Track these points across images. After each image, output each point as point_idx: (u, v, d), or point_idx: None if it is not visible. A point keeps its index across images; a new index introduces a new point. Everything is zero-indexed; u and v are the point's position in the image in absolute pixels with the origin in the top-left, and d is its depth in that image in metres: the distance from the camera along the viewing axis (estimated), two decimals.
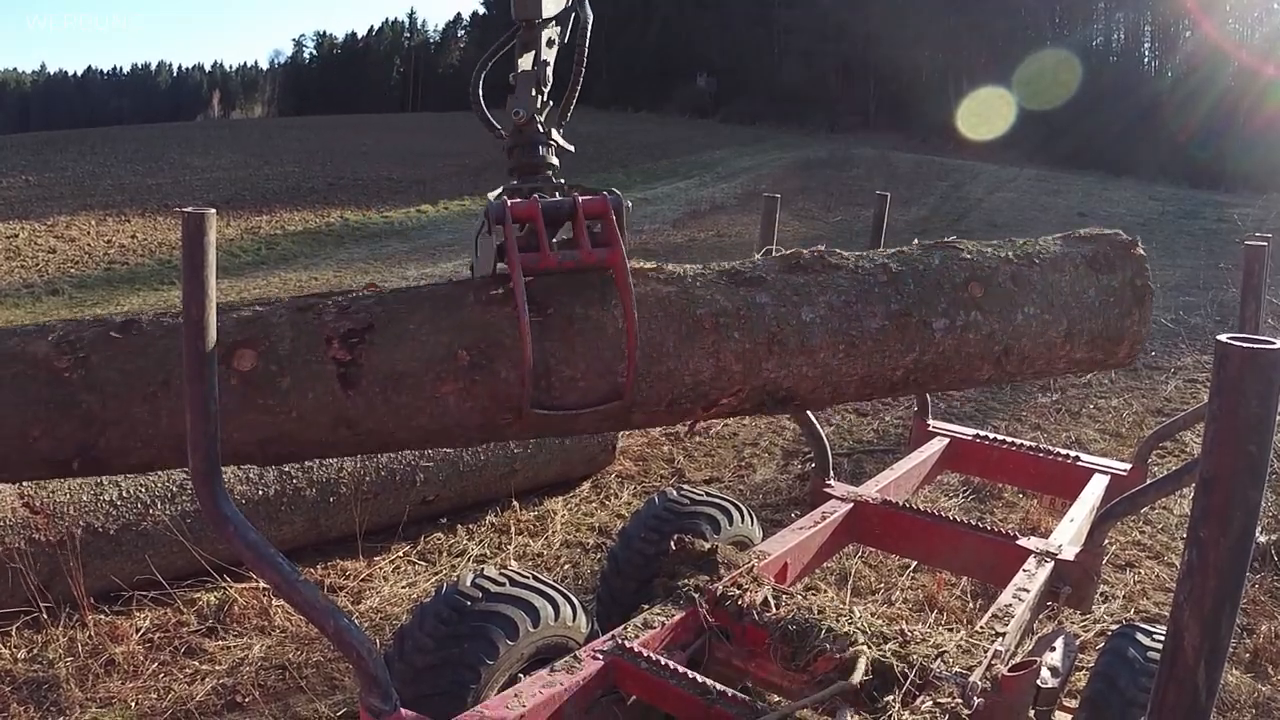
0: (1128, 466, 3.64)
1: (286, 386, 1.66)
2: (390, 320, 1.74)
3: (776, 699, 2.45)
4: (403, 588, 3.87)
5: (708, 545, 2.67)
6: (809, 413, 3.27)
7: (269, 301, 1.77)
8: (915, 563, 3.95)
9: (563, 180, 2.09)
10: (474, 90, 2.21)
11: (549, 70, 2.13)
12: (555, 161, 2.11)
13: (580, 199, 1.84)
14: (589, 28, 2.18)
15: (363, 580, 3.91)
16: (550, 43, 2.20)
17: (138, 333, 1.65)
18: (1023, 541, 2.91)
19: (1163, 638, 1.62)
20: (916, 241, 2.31)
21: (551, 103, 2.17)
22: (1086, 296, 2.28)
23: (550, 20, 2.17)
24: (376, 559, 4.07)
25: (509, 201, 1.80)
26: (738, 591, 2.45)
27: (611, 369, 1.81)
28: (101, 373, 1.61)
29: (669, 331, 1.88)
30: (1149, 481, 3.18)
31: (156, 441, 1.66)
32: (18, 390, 1.57)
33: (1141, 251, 2.39)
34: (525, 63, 2.16)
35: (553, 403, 1.80)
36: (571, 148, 2.17)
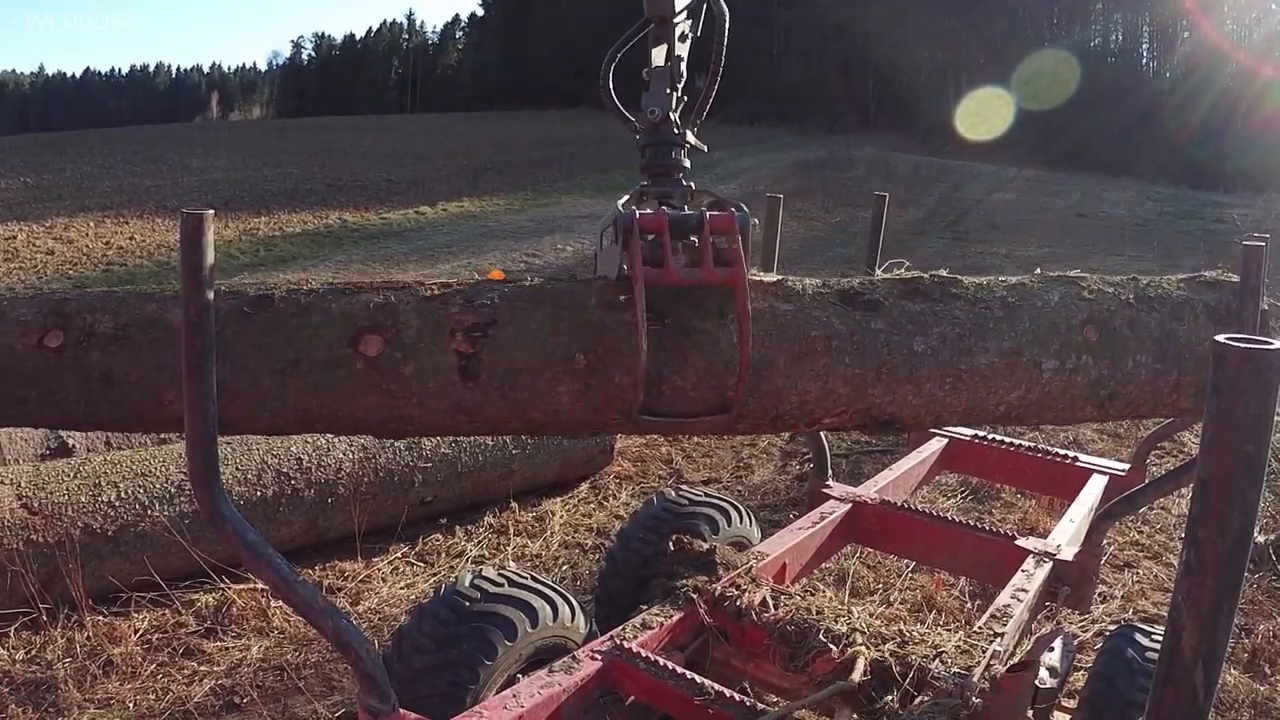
0: (1126, 467, 3.65)
1: (409, 374, 1.72)
2: (513, 316, 1.77)
3: (775, 699, 2.45)
4: (401, 588, 3.86)
5: (706, 546, 2.67)
6: None
7: (399, 286, 1.80)
8: (914, 563, 3.95)
9: (692, 184, 2.08)
10: (604, 83, 2.14)
11: (683, 65, 2.07)
12: (687, 164, 2.09)
13: (708, 214, 1.84)
14: (726, 20, 2.06)
15: (361, 581, 3.91)
16: (683, 37, 2.12)
17: (270, 310, 1.71)
18: (1021, 542, 2.91)
19: (1161, 638, 1.62)
20: (1039, 271, 2.21)
21: (685, 99, 2.10)
22: (1201, 349, 2.17)
23: (681, 13, 2.09)
24: (375, 560, 4.07)
25: (637, 213, 1.81)
26: (736, 592, 2.45)
27: (721, 382, 1.83)
28: (235, 346, 1.66)
29: (781, 351, 1.88)
30: (1147, 482, 3.18)
31: (284, 414, 1.73)
32: (154, 354, 1.65)
33: (1266, 307, 2.25)
34: (658, 58, 2.09)
35: (661, 409, 1.83)
36: (705, 147, 2.14)
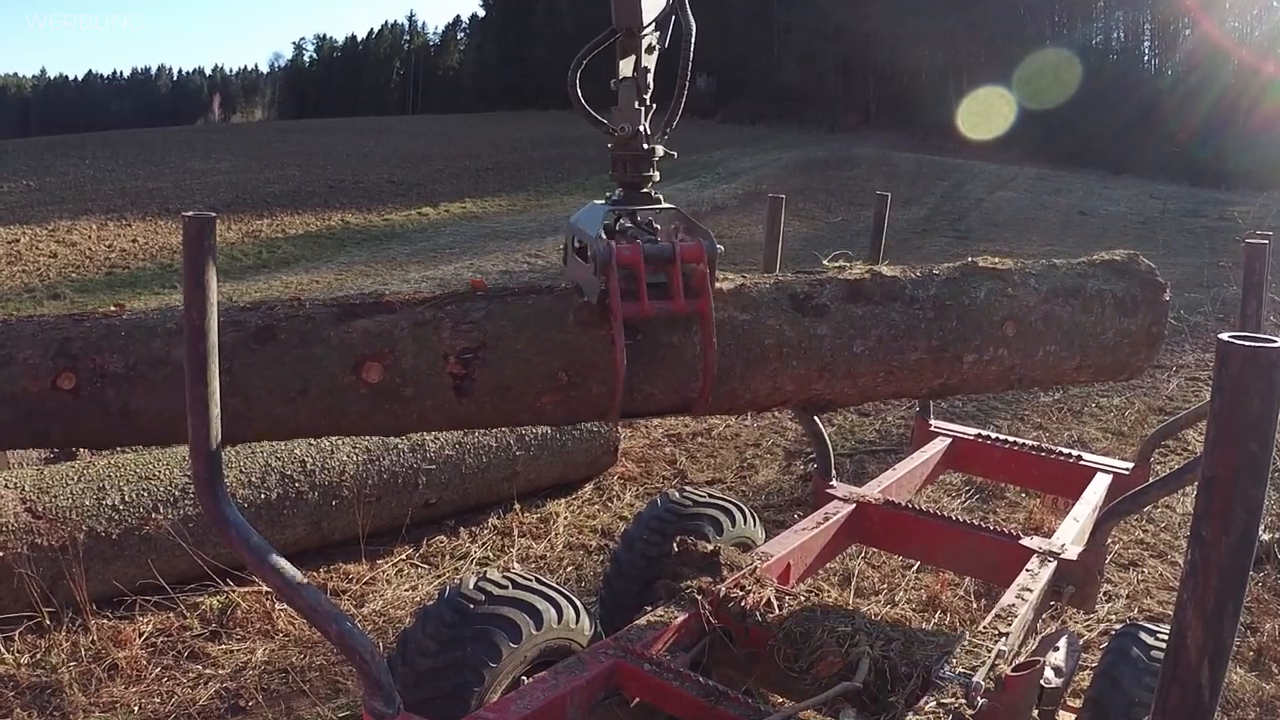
0: (1130, 465, 3.64)
1: (409, 395, 1.87)
2: (500, 338, 1.92)
3: (780, 700, 2.45)
4: (405, 591, 3.86)
5: (710, 547, 2.66)
6: None
7: (391, 307, 1.91)
8: (918, 563, 3.94)
9: (661, 198, 2.17)
10: (572, 90, 2.20)
11: (649, 77, 2.11)
12: (657, 176, 2.18)
13: (679, 247, 1.97)
14: (692, 35, 2.12)
15: (365, 583, 3.91)
16: (650, 49, 2.15)
17: (274, 342, 1.79)
18: (1026, 541, 2.90)
19: (1166, 637, 1.61)
20: (971, 260, 2.43)
21: (655, 107, 2.14)
22: (1105, 337, 2.45)
23: (650, 25, 2.12)
24: (379, 562, 4.07)
25: (615, 248, 1.92)
26: (741, 593, 2.45)
27: (686, 387, 2.05)
28: (244, 378, 1.76)
29: (737, 359, 2.08)
30: (1151, 480, 3.17)
31: (299, 432, 1.90)
32: (168, 390, 1.74)
33: (1168, 298, 2.52)
34: (625, 69, 2.13)
35: (632, 410, 2.06)
36: (674, 154, 2.23)
